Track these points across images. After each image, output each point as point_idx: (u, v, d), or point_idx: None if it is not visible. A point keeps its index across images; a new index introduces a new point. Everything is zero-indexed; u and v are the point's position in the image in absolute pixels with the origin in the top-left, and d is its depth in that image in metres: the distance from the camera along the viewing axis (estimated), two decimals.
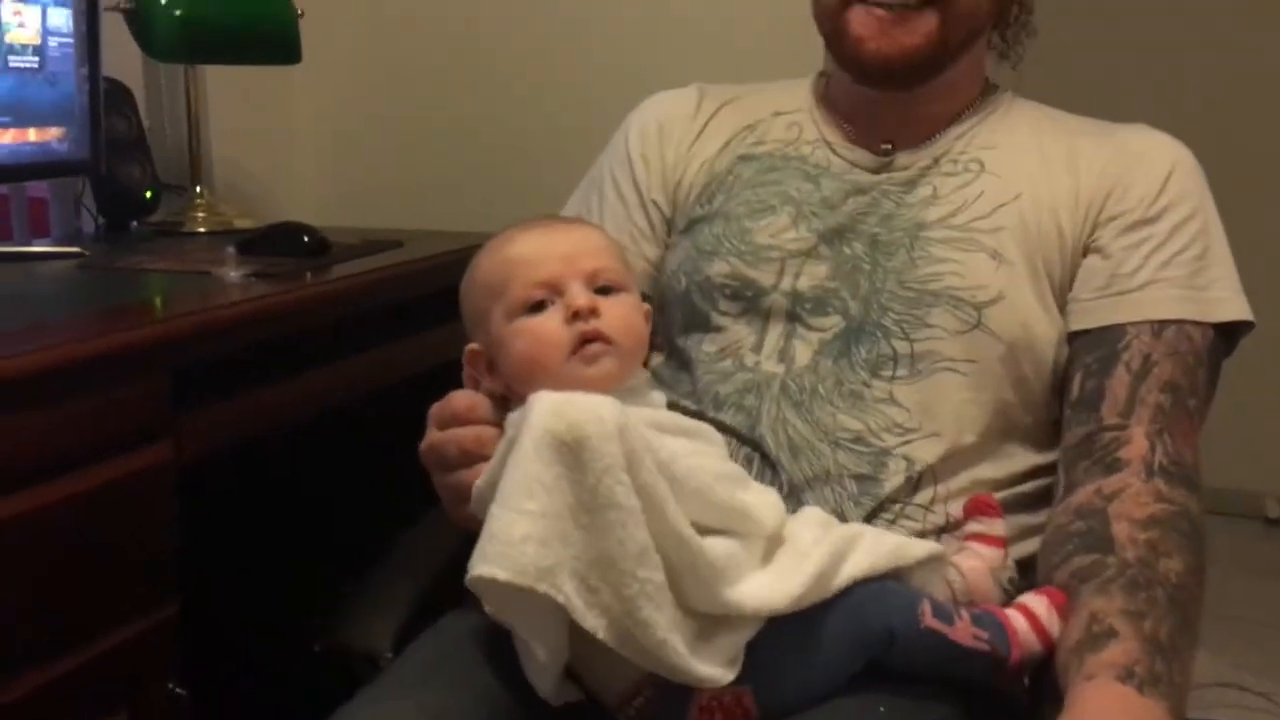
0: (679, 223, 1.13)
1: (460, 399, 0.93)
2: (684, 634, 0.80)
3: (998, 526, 0.96)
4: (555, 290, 0.89)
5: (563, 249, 0.91)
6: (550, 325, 0.88)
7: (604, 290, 0.90)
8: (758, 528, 0.87)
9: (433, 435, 0.93)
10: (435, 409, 0.94)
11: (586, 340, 0.88)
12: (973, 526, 0.96)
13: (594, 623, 0.78)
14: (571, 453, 0.78)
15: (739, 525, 0.86)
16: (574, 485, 0.78)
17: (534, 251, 0.91)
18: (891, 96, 1.06)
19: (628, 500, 0.78)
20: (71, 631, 1.00)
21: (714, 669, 0.81)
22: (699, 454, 0.88)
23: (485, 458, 0.88)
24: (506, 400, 0.91)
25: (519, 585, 0.77)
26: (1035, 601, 0.89)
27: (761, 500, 0.89)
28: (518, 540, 0.77)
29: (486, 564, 0.78)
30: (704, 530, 0.83)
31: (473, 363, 0.93)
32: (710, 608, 0.82)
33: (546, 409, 0.80)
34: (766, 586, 0.84)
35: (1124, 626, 0.82)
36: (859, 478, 0.98)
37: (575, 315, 0.87)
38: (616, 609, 0.78)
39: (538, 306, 0.89)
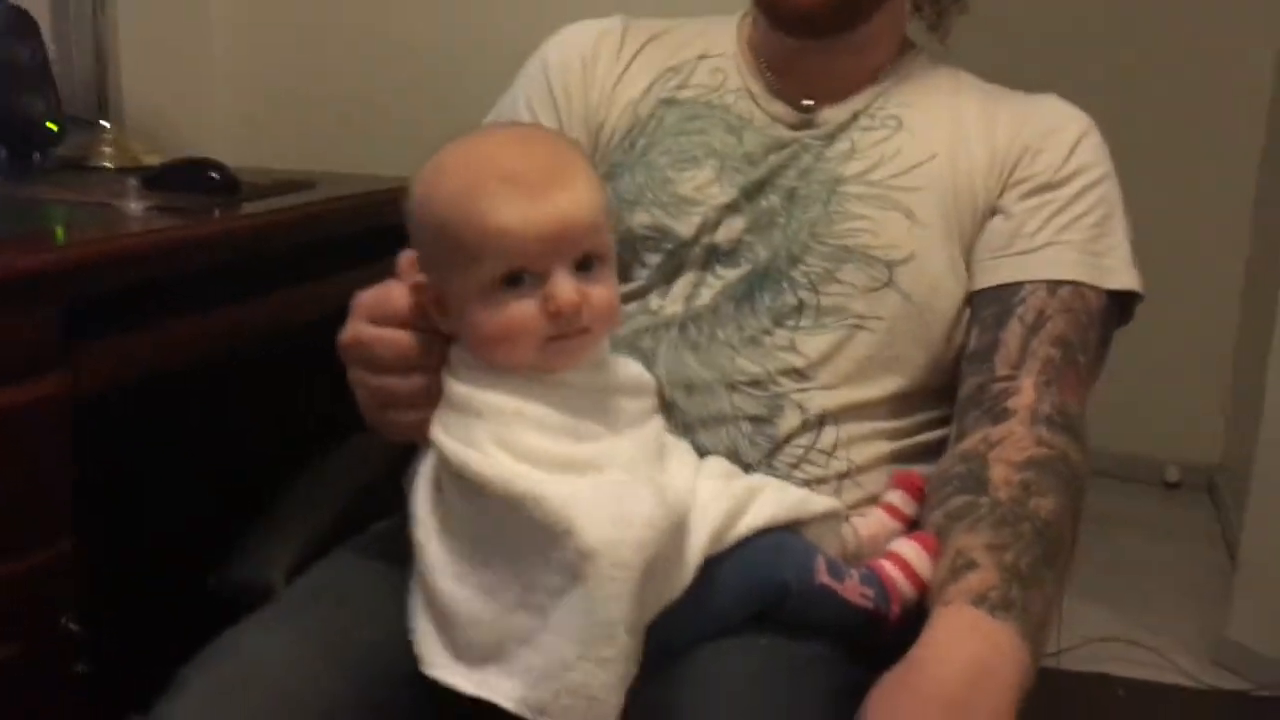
0: (599, 166, 1.11)
1: (402, 297, 0.85)
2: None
3: (911, 507, 0.98)
4: (537, 273, 0.81)
5: (551, 224, 0.80)
6: (527, 313, 0.81)
7: (587, 263, 0.83)
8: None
9: (361, 330, 0.86)
10: (367, 299, 0.86)
11: (563, 336, 0.82)
12: (890, 497, 0.99)
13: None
14: (638, 582, 0.77)
15: None
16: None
17: (518, 224, 0.79)
18: (808, 46, 1.06)
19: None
20: None
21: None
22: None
23: (425, 369, 0.85)
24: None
25: None
26: (906, 548, 0.91)
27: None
28: (602, 694, 0.76)
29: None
30: None
31: (418, 292, 0.85)
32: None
33: (610, 544, 0.77)
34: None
35: (984, 558, 0.84)
36: (754, 419, 0.99)
37: (558, 313, 0.81)
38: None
39: (514, 280, 0.81)
